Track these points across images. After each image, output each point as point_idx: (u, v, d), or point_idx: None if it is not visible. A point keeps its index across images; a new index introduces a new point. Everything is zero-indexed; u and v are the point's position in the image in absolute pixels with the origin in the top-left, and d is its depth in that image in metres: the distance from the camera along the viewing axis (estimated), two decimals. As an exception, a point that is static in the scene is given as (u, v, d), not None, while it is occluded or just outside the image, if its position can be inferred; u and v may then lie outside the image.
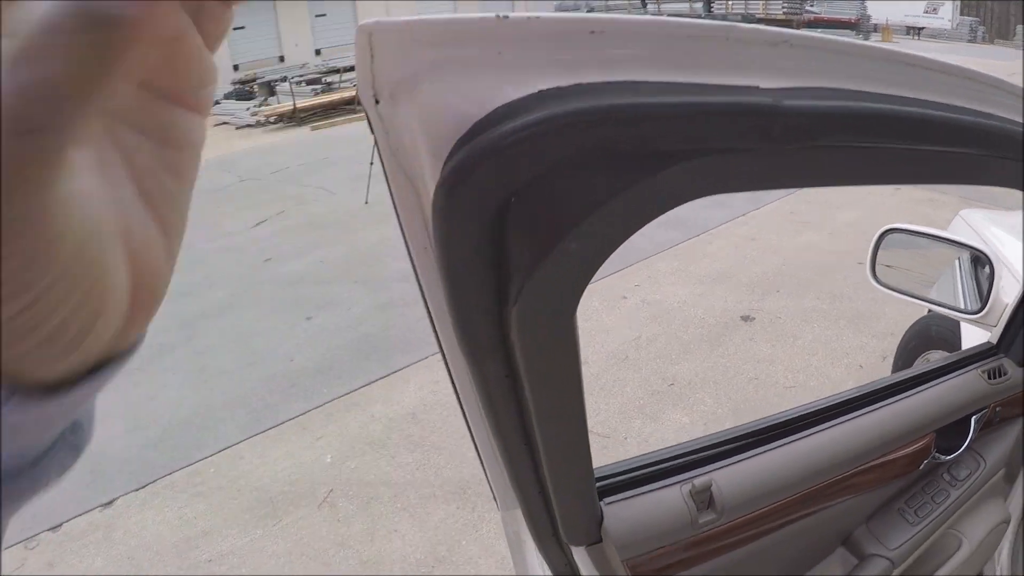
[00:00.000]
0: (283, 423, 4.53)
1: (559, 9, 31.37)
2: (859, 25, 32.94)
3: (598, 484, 1.13)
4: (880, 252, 1.91)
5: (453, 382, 0.87)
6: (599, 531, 1.09)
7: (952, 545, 1.63)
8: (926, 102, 0.63)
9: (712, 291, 5.86)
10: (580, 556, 1.11)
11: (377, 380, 4.90)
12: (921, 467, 1.51)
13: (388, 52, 0.51)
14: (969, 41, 35.08)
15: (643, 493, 1.17)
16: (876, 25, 33.76)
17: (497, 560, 3.37)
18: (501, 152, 0.49)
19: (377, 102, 0.54)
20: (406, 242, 0.69)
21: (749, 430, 1.34)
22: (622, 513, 1.13)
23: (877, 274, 1.91)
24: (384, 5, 33.53)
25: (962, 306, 1.88)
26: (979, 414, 1.56)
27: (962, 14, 38.08)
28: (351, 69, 21.72)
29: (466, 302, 0.64)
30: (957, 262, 2.52)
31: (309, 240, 7.88)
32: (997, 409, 1.59)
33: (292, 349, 5.48)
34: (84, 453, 0.35)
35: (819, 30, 32.35)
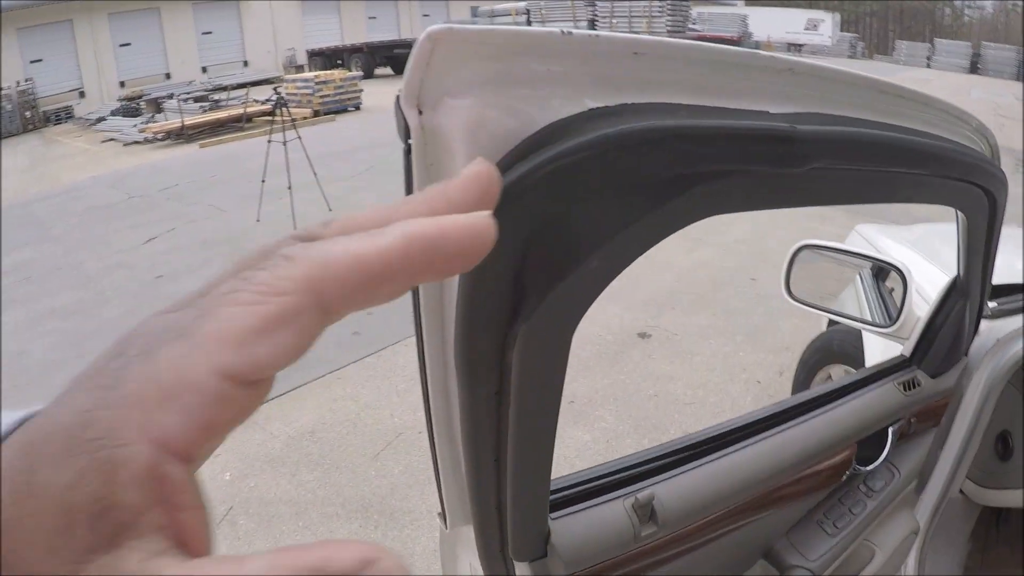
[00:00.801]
0: (178, 442, 4.37)
1: (474, 15, 31.58)
2: (741, 43, 33.63)
3: (543, 500, 1.12)
4: (794, 268, 1.95)
5: (427, 400, 0.86)
6: (545, 546, 1.09)
7: (866, 555, 1.68)
8: (906, 129, 0.66)
9: (607, 309, 5.90)
10: (522, 571, 1.10)
11: (273, 398, 4.78)
12: (844, 477, 1.56)
13: (446, 62, 0.50)
14: (849, 57, 35.99)
15: (587, 508, 1.18)
16: (758, 43, 34.41)
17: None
18: (560, 172, 0.50)
19: (421, 112, 0.53)
20: None
21: (688, 443, 1.37)
22: (567, 528, 1.14)
23: (792, 289, 1.95)
24: (270, 21, 33.36)
25: (871, 319, 1.92)
26: (895, 425, 1.61)
27: (842, 30, 39.14)
28: (240, 87, 21.56)
29: (478, 319, 0.64)
30: (859, 276, 2.58)
31: (201, 258, 7.73)
32: (912, 420, 1.64)
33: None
34: None
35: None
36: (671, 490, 1.25)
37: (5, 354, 5.67)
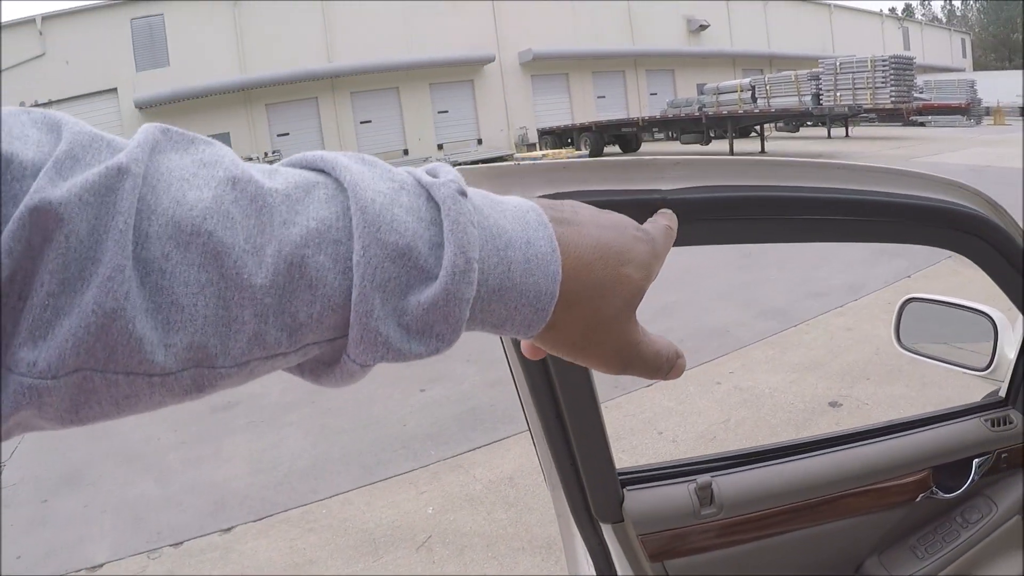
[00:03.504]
0: (391, 477, 4.92)
1: (671, 106, 32.11)
2: (970, 110, 31.57)
3: (622, 477, 1.45)
4: (903, 319, 2.10)
5: (521, 401, 1.28)
6: (621, 511, 1.42)
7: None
8: (762, 186, 0.91)
9: (803, 378, 6.01)
10: (608, 534, 1.43)
11: (481, 447, 5.25)
12: (918, 499, 1.65)
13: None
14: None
15: (657, 487, 1.49)
16: (988, 108, 32.20)
17: (576, 608, 3.58)
18: None
19: None
20: None
21: (751, 451, 1.61)
22: (639, 498, 1.45)
23: (901, 339, 2.10)
24: (503, 100, 34.85)
25: (971, 364, 1.99)
26: (981, 459, 1.68)
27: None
28: (472, 164, 22.58)
29: None
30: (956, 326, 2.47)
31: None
32: (1003, 456, 1.70)
33: (405, 415, 5.91)
34: None
35: (929, 116, 30.86)
36: (732, 482, 1.52)
37: (249, 394, 6.51)
